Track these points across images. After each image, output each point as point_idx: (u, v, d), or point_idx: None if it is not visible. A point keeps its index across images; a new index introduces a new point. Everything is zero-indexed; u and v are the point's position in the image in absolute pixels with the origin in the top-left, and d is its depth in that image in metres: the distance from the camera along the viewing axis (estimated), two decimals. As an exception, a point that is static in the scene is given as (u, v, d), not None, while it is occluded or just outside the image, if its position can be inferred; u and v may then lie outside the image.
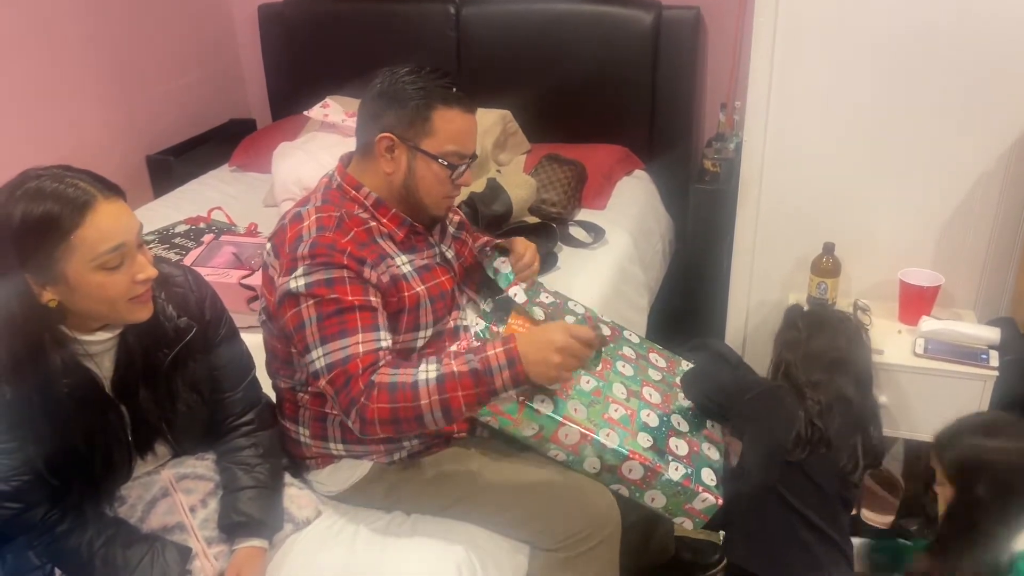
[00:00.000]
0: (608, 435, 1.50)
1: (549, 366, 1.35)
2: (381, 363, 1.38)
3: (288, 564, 1.45)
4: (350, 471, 1.57)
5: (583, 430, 1.48)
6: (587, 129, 3.07)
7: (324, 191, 1.55)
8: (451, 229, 1.71)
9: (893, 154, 2.17)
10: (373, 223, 1.52)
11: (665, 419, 1.65)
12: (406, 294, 1.49)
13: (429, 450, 1.58)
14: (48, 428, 1.26)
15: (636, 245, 2.68)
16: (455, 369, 1.35)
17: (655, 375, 1.80)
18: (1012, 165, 2.09)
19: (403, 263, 1.52)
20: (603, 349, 1.73)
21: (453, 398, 1.34)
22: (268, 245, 1.52)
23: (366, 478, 1.56)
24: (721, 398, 1.72)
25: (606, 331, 1.84)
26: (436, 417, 1.35)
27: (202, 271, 1.56)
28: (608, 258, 2.52)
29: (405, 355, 1.53)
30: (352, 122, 2.75)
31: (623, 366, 1.74)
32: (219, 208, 2.59)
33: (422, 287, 1.52)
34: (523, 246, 1.78)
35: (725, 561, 1.96)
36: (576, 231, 2.63)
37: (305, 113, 2.97)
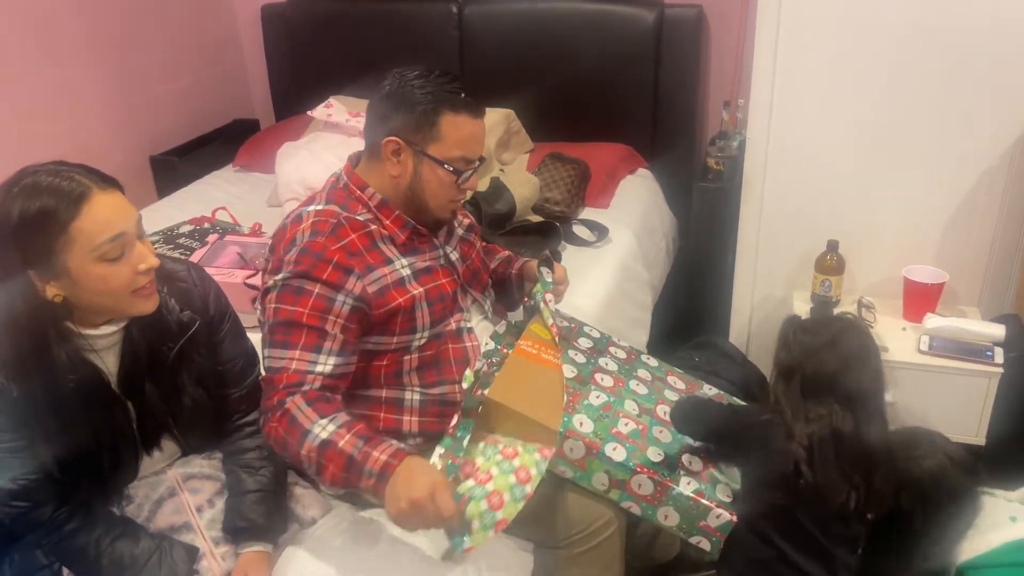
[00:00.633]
0: (615, 449, 1.46)
1: (396, 506, 1.25)
2: (305, 386, 1.39)
3: (294, 563, 1.45)
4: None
5: (587, 443, 1.45)
6: (590, 128, 3.07)
7: (330, 190, 1.56)
8: (459, 231, 1.71)
9: (897, 151, 2.17)
10: (374, 226, 1.52)
11: (678, 436, 1.57)
12: (400, 299, 1.50)
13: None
14: (55, 425, 1.26)
15: (640, 243, 2.68)
16: (340, 445, 1.32)
17: (671, 395, 1.70)
18: (1016, 161, 2.09)
19: (403, 266, 1.53)
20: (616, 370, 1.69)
21: (326, 466, 1.34)
22: (270, 242, 1.54)
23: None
24: (711, 439, 1.57)
25: (621, 355, 1.76)
26: (311, 470, 1.38)
27: (207, 271, 1.57)
28: (612, 257, 2.52)
29: (402, 353, 1.53)
30: (356, 122, 2.76)
31: (637, 385, 1.68)
32: (223, 208, 2.60)
33: (420, 289, 1.53)
34: (560, 267, 1.79)
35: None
36: (579, 230, 2.63)
37: (309, 113, 2.98)
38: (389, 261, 1.52)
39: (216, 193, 2.96)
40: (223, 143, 3.37)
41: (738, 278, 2.49)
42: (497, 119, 2.89)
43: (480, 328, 1.69)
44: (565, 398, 1.51)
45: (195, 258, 2.19)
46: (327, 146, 2.74)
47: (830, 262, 2.24)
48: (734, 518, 1.47)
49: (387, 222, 1.54)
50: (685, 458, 1.52)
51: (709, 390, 1.79)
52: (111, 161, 2.90)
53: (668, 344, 2.69)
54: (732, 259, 2.49)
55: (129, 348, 1.35)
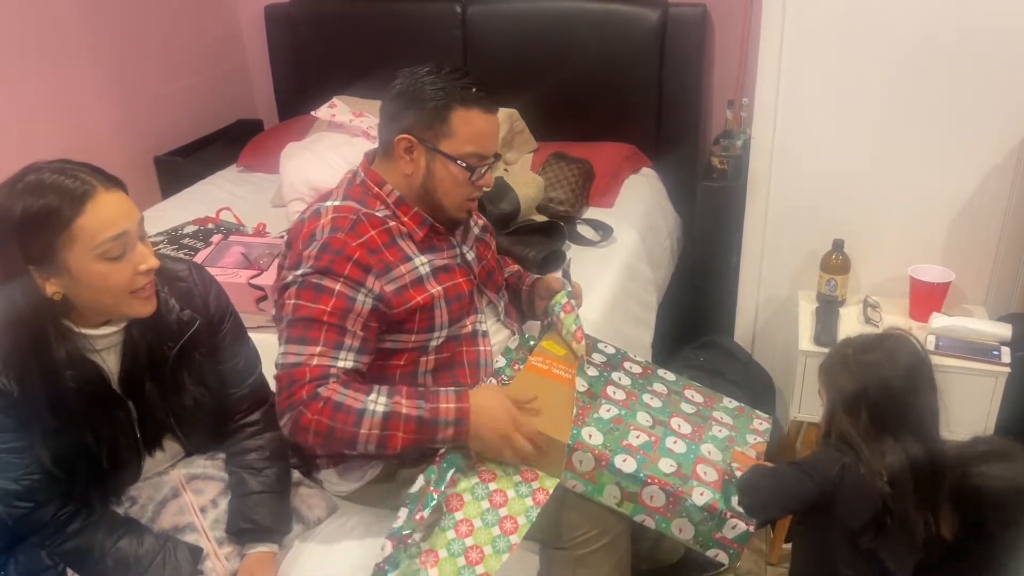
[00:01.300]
0: (625, 460, 1.43)
1: (483, 444, 1.38)
2: (331, 379, 1.39)
3: (300, 564, 1.46)
4: (360, 471, 1.56)
5: (596, 454, 1.43)
6: (594, 127, 3.07)
7: (347, 187, 1.55)
8: (475, 231, 1.71)
9: (902, 150, 2.16)
10: (393, 222, 1.52)
11: (694, 447, 1.52)
12: (419, 297, 1.49)
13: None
14: (56, 425, 1.26)
15: (644, 243, 2.68)
16: (403, 411, 1.37)
17: (688, 408, 1.65)
18: (1022, 160, 2.08)
19: (421, 264, 1.52)
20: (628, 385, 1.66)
21: (393, 436, 1.36)
22: (285, 237, 1.53)
23: (376, 478, 1.56)
24: (796, 508, 1.49)
25: (637, 370, 1.73)
26: (369, 448, 1.38)
27: (211, 271, 1.57)
28: (616, 256, 2.52)
29: (419, 354, 1.53)
30: (359, 122, 2.76)
31: (651, 399, 1.63)
32: (227, 208, 2.60)
33: (438, 288, 1.52)
34: (576, 284, 1.78)
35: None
36: (584, 229, 2.63)
37: (312, 113, 2.98)
38: (408, 258, 1.51)
39: (220, 193, 2.96)
40: (227, 143, 3.37)
41: (743, 277, 2.49)
42: (501, 119, 2.87)
43: (494, 331, 1.68)
44: (575, 411, 1.50)
45: (199, 259, 2.19)
46: (331, 146, 2.74)
47: (835, 261, 2.24)
48: (751, 528, 1.42)
49: (405, 219, 1.53)
50: (700, 468, 1.47)
51: (729, 403, 1.73)
52: (115, 162, 2.88)
53: (673, 344, 2.69)
54: (737, 258, 2.49)
55: (130, 348, 1.35)
